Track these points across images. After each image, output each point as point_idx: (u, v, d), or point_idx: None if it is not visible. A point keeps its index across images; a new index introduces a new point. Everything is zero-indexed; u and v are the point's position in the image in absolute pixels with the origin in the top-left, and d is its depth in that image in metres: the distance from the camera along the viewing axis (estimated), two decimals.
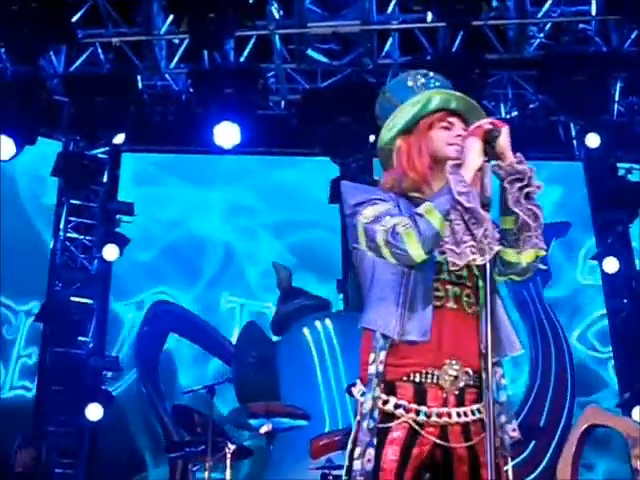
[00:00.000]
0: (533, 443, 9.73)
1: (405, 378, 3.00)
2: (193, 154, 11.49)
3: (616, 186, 10.46)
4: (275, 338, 10.48)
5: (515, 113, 10.97)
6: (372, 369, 3.00)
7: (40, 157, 10.70)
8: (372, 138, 10.15)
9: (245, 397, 9.54)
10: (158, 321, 11.02)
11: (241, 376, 10.03)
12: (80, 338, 10.16)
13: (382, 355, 2.99)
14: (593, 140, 10.35)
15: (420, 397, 3.00)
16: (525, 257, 3.10)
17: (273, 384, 9.81)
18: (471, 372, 3.04)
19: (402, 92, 3.31)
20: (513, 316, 10.75)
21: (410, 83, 3.31)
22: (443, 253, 2.97)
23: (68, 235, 10.57)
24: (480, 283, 3.11)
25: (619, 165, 10.61)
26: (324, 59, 10.29)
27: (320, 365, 9.63)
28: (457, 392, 3.01)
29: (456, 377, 3.01)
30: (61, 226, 10.59)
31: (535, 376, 10.75)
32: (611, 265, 10.06)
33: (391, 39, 10.17)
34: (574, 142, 11.10)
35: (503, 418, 3.06)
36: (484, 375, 3.04)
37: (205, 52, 9.94)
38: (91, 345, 10.22)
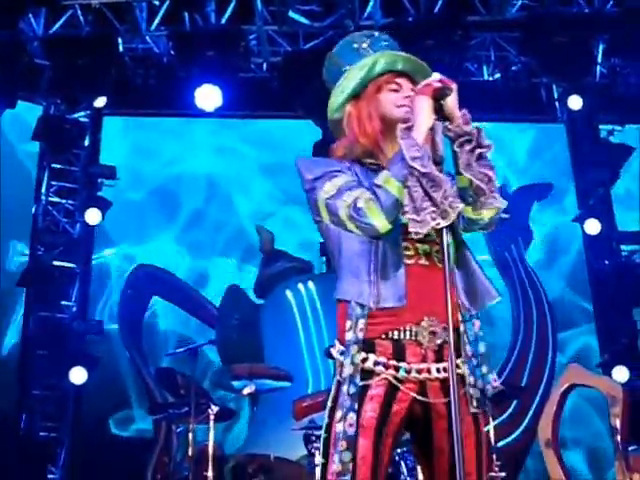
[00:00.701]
0: (515, 402, 9.83)
1: (384, 336, 3.02)
2: (175, 117, 11.44)
3: (598, 148, 10.48)
4: (258, 301, 10.50)
5: (498, 75, 10.93)
6: (349, 335, 3.02)
7: (21, 120, 10.62)
8: None
9: (228, 359, 9.59)
10: (141, 284, 11.02)
11: (224, 338, 10.07)
12: (63, 302, 10.14)
13: (360, 323, 3.01)
14: (575, 102, 10.34)
15: (399, 354, 3.02)
16: (487, 214, 3.09)
17: (256, 346, 9.86)
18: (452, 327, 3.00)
19: (348, 55, 3.30)
20: (493, 277, 10.92)
21: (355, 45, 3.30)
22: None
23: (50, 199, 10.51)
24: (449, 239, 3.07)
25: (601, 127, 10.61)
26: (306, 21, 10.23)
27: (303, 327, 9.67)
28: (436, 348, 3.03)
29: (434, 333, 3.02)
30: (43, 190, 10.53)
31: (517, 336, 10.82)
32: (593, 226, 10.09)
33: (373, 1, 10.10)
34: (556, 104, 11.08)
35: (484, 369, 3.09)
36: (461, 328, 3.08)
37: (186, 14, 9.86)
38: (74, 309, 10.20)
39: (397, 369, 3.01)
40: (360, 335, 3.00)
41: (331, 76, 3.34)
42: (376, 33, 3.39)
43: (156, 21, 10.26)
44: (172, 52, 10.33)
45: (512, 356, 10.66)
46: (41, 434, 9.71)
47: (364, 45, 3.28)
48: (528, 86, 10.99)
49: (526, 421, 10.09)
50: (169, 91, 10.57)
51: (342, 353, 3.05)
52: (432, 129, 3.01)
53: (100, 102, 10.39)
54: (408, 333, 3.03)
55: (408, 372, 3.00)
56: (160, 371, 9.25)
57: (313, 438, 6.69)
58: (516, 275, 11.05)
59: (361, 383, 2.98)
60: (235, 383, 7.30)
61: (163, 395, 9.86)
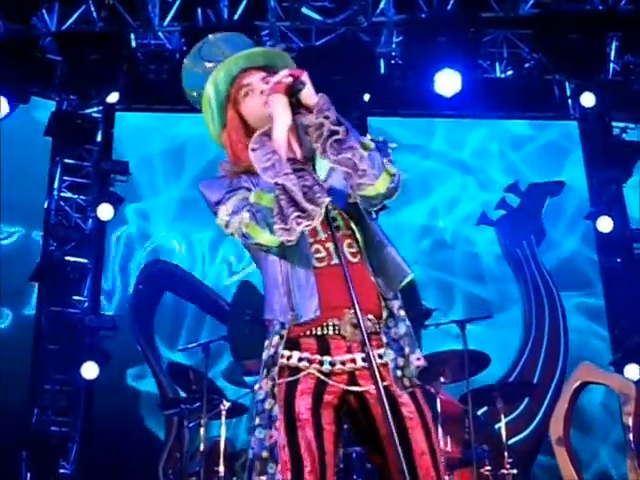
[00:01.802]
0: (526, 400, 9.81)
1: (308, 332, 3.04)
2: (187, 112, 11.40)
3: (611, 145, 10.45)
4: None
5: (510, 72, 10.90)
6: (264, 355, 3.05)
7: (33, 116, 10.64)
8: (367, 97, 10.14)
9: (241, 355, 9.60)
10: (153, 280, 11.03)
11: (236, 334, 10.07)
12: (75, 297, 10.16)
13: (275, 339, 3.02)
14: (588, 99, 10.31)
15: (323, 349, 3.04)
16: (380, 185, 3.02)
17: None
18: (372, 317, 3.08)
19: (191, 80, 3.31)
20: (507, 276, 10.91)
21: (190, 67, 3.31)
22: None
23: (62, 195, 10.52)
24: (354, 226, 3.13)
25: (614, 124, 10.58)
26: (318, 17, 10.22)
27: None
28: (360, 340, 2.98)
29: (356, 326, 2.97)
30: (55, 186, 10.55)
31: (529, 334, 10.80)
32: (605, 224, 10.06)
33: None
34: (569, 101, 11.05)
35: (407, 350, 3.08)
36: (384, 314, 3.10)
37: (199, 10, 9.88)
38: (86, 304, 10.22)
39: (321, 363, 3.02)
40: (271, 351, 3.01)
41: (196, 104, 3.33)
42: (201, 42, 3.35)
43: (169, 17, 10.28)
44: (184, 48, 10.32)
45: (524, 353, 10.65)
46: (53, 429, 9.72)
47: (197, 63, 3.29)
48: (541, 83, 10.96)
49: (538, 419, 10.08)
50: (181, 87, 10.53)
51: (261, 372, 3.06)
52: (296, 126, 3.03)
53: (113, 98, 10.40)
54: (331, 328, 3.04)
55: (333, 365, 3.02)
56: (172, 366, 9.25)
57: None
58: (528, 272, 11.03)
59: (289, 379, 3.00)
60: (247, 378, 7.31)
61: (175, 390, 9.87)
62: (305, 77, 3.01)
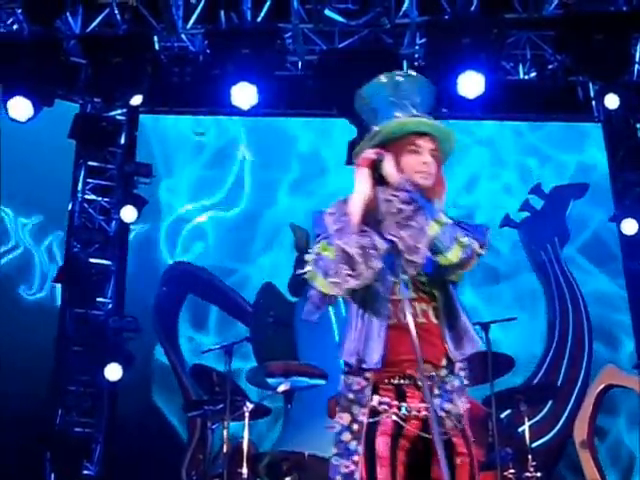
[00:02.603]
0: (550, 402, 9.76)
1: (386, 381, 3.37)
2: (211, 115, 11.46)
3: (635, 147, 10.40)
4: (293, 299, 10.51)
5: (534, 74, 10.84)
6: (342, 390, 3.41)
7: (58, 119, 10.68)
8: None
9: (263, 357, 9.61)
10: (176, 282, 11.06)
11: (259, 336, 10.09)
12: (99, 299, 10.22)
13: (350, 378, 3.38)
14: (612, 101, 10.25)
15: (400, 396, 3.36)
16: (453, 256, 3.35)
17: (291, 344, 9.88)
18: (435, 370, 3.41)
19: (375, 98, 3.56)
20: (531, 278, 10.86)
21: (387, 92, 3.55)
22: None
23: (86, 197, 10.58)
24: (436, 293, 3.45)
25: (638, 126, 10.52)
26: (341, 19, 10.22)
27: (337, 324, 9.67)
28: (432, 392, 3.34)
29: (429, 377, 3.34)
30: (79, 188, 10.60)
31: (552, 337, 10.76)
32: (630, 226, 10.01)
33: None
34: (593, 103, 11.00)
35: (455, 397, 3.43)
36: (443, 372, 3.43)
37: (222, 12, 9.90)
38: (110, 306, 10.26)
39: (399, 408, 3.34)
40: (355, 388, 3.35)
41: (363, 115, 3.65)
42: (400, 76, 3.61)
43: (192, 19, 10.29)
44: (208, 50, 10.36)
45: (548, 356, 10.60)
46: (76, 430, 9.77)
47: (390, 92, 3.52)
48: (564, 85, 10.90)
49: (561, 421, 10.02)
50: (205, 89, 10.59)
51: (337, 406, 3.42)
52: (375, 196, 3.35)
53: (136, 100, 10.43)
54: (407, 379, 3.36)
55: (409, 411, 3.33)
56: (196, 368, 9.27)
57: None
58: (552, 274, 10.99)
59: (370, 420, 3.31)
60: (270, 380, 7.30)
61: (198, 392, 9.90)
62: (388, 157, 3.36)
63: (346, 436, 3.30)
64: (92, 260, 10.24)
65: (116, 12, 10.18)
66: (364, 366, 3.32)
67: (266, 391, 7.46)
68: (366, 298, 3.36)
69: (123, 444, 9.84)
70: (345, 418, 3.33)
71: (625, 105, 10.31)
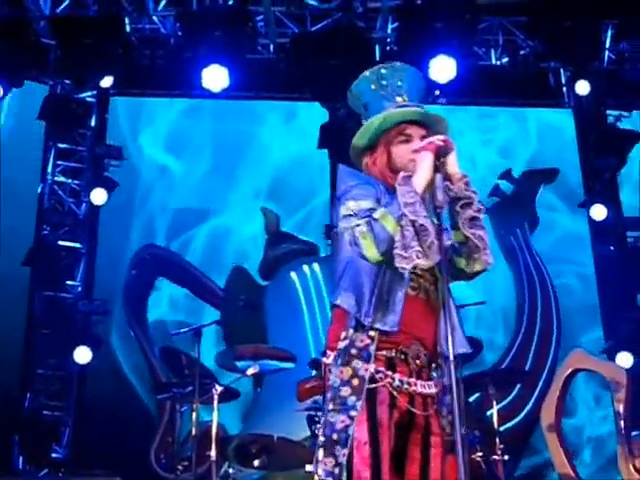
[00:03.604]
0: (518, 387, 9.84)
1: (378, 352, 3.37)
2: (182, 97, 11.39)
3: (605, 133, 10.45)
4: (263, 282, 10.50)
5: (506, 59, 10.86)
6: (343, 344, 3.38)
7: (27, 100, 10.60)
8: None
9: (233, 340, 9.61)
10: (146, 265, 11.02)
11: (229, 319, 10.08)
12: (68, 282, 10.16)
13: (359, 337, 3.36)
14: (583, 87, 10.31)
15: (392, 368, 3.39)
16: (477, 267, 3.50)
17: (261, 327, 9.89)
18: (428, 354, 3.48)
19: (364, 92, 3.65)
20: (500, 263, 10.90)
21: (373, 86, 3.62)
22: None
23: (56, 179, 10.51)
24: (439, 284, 3.45)
25: (608, 112, 10.57)
26: (313, 2, 10.20)
27: (307, 309, 9.69)
28: (417, 369, 3.43)
29: (418, 357, 3.43)
30: (49, 170, 10.52)
31: (521, 322, 10.82)
32: (599, 212, 10.08)
33: None
34: (564, 89, 11.04)
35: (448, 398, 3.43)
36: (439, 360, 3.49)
37: None
38: (79, 289, 10.21)
39: (393, 379, 3.37)
40: (359, 344, 3.35)
41: (354, 107, 3.74)
42: (387, 67, 3.66)
43: (163, 1, 10.25)
44: (179, 33, 10.30)
45: (516, 340, 10.67)
46: (45, 413, 9.73)
47: (378, 84, 3.60)
48: (536, 71, 10.94)
49: (529, 405, 10.09)
50: (176, 72, 10.53)
51: (335, 360, 3.39)
52: (433, 182, 3.34)
53: (107, 82, 10.37)
54: (399, 353, 3.40)
55: (401, 384, 3.38)
56: (165, 350, 9.28)
57: (317, 419, 6.71)
58: (522, 260, 11.04)
59: (369, 386, 3.31)
60: (239, 363, 7.29)
61: (167, 375, 9.89)
62: (454, 147, 3.40)
63: (345, 390, 3.30)
64: (61, 243, 10.18)
65: None
66: (378, 326, 3.32)
67: (235, 374, 7.43)
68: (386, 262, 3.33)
69: (93, 427, 9.81)
70: (346, 372, 3.32)
71: (595, 91, 10.37)
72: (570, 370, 7.59)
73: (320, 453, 3.31)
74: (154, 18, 10.49)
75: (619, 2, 9.94)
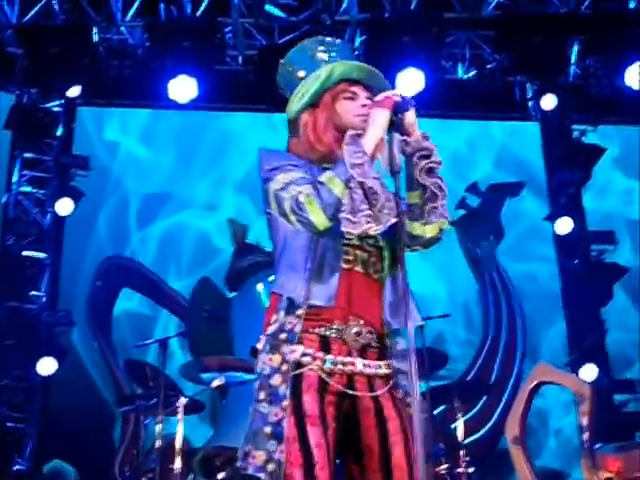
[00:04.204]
0: (483, 399, 9.86)
1: (311, 330, 3.14)
2: (149, 108, 11.36)
3: (570, 148, 10.54)
4: (229, 294, 10.47)
5: (472, 73, 10.94)
6: (273, 328, 3.15)
7: None
8: None
9: (198, 351, 9.58)
10: (111, 276, 10.95)
11: (195, 330, 10.04)
12: (32, 293, 10.08)
13: (289, 317, 3.13)
14: (549, 101, 10.41)
15: (325, 347, 3.15)
16: (430, 230, 3.24)
17: (227, 339, 9.84)
18: (374, 332, 3.22)
19: (303, 62, 3.42)
20: (467, 275, 10.94)
21: (310, 52, 3.42)
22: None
23: (21, 189, 10.43)
24: (385, 253, 3.28)
25: (574, 127, 10.67)
26: (282, 14, 10.23)
27: None
28: (359, 348, 3.18)
29: (359, 334, 3.17)
30: (14, 179, 10.45)
31: (486, 334, 10.85)
32: (564, 226, 10.15)
33: None
34: (530, 103, 11.12)
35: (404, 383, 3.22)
36: (387, 341, 3.25)
37: (162, 5, 9.83)
38: (44, 300, 10.13)
39: (324, 361, 3.12)
40: (288, 327, 3.12)
41: (286, 83, 3.48)
42: (328, 39, 3.51)
43: (131, 11, 10.21)
44: (147, 43, 10.29)
45: (481, 353, 10.70)
46: (8, 424, 9.63)
47: (318, 53, 3.39)
48: (502, 84, 11.04)
49: (494, 418, 10.12)
50: (144, 82, 10.52)
51: (265, 347, 3.16)
52: (390, 141, 3.15)
53: (74, 92, 10.33)
54: (335, 331, 3.15)
55: (334, 364, 3.12)
56: (129, 362, 9.21)
57: None
58: (486, 272, 11.08)
59: (293, 373, 3.07)
60: (204, 375, 7.27)
61: (131, 387, 9.83)
62: (413, 102, 3.20)
63: (276, 379, 3.05)
64: (26, 253, 10.09)
65: (54, 2, 10.06)
66: (313, 302, 3.09)
67: (201, 386, 7.40)
68: (323, 233, 3.11)
69: (56, 439, 9.73)
70: (275, 359, 3.08)
71: (561, 106, 10.46)
72: (535, 383, 7.62)
73: (248, 447, 3.08)
74: (122, 28, 10.46)
75: (585, 18, 10.05)
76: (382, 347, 3.23)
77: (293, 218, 3.07)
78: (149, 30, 10.10)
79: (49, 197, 10.38)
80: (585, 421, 7.23)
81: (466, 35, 10.73)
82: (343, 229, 3.04)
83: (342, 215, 3.02)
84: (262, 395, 3.07)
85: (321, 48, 3.41)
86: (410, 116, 3.17)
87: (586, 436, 7.21)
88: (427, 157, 3.17)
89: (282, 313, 3.14)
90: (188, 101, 9.98)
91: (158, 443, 6.97)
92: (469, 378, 10.26)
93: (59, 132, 10.61)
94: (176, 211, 11.18)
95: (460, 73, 10.94)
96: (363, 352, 3.17)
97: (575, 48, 10.57)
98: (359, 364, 3.14)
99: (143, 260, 11.01)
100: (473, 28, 10.60)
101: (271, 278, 9.91)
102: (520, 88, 11.18)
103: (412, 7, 9.85)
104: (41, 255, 10.19)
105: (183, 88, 9.81)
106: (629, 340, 10.33)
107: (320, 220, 3.02)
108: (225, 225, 10.81)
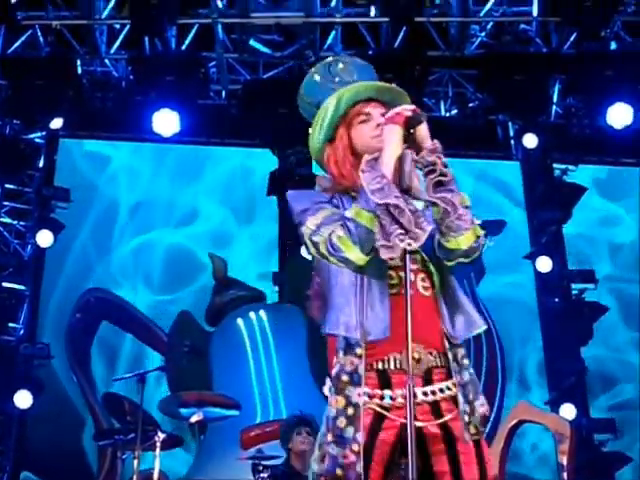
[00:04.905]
0: None
1: (369, 367, 3.04)
2: (132, 141, 11.37)
3: (552, 186, 10.59)
4: (209, 328, 10.43)
5: (455, 111, 11.02)
6: (336, 370, 3.06)
7: None
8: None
9: (177, 386, 9.51)
10: (91, 309, 10.89)
11: (174, 365, 9.98)
12: (11, 324, 10.00)
13: (348, 357, 3.04)
14: (530, 140, 10.48)
15: (385, 383, 3.05)
16: (463, 241, 3.10)
17: (206, 374, 9.78)
18: (435, 353, 3.09)
19: (311, 90, 3.35)
20: None
21: (317, 79, 3.34)
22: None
23: (1, 220, 10.39)
24: (432, 268, 3.16)
25: (555, 166, 10.73)
26: (266, 50, 10.28)
27: (253, 356, 9.62)
28: (422, 374, 3.06)
29: (419, 360, 3.04)
30: None
31: None
32: (544, 264, 10.19)
33: (334, 32, 10.21)
34: (512, 142, 11.19)
35: (470, 395, 3.11)
36: (449, 354, 3.11)
37: (146, 39, 9.85)
38: (22, 332, 10.06)
39: (382, 397, 3.02)
40: (348, 369, 3.03)
41: (306, 114, 3.39)
42: (331, 59, 3.43)
43: (116, 44, 10.25)
44: (131, 76, 10.31)
45: None
46: None
47: (324, 76, 3.32)
48: (484, 123, 11.10)
49: None
50: (127, 115, 10.53)
51: (330, 390, 3.09)
52: (401, 158, 3.04)
53: (56, 124, 10.33)
54: (392, 362, 3.05)
55: (393, 399, 3.02)
56: (107, 396, 9.14)
57: (260, 468, 6.63)
58: None
59: (350, 414, 3.00)
60: (183, 410, 7.21)
61: (109, 421, 9.75)
62: (425, 116, 3.08)
63: (341, 421, 2.99)
64: (5, 284, 10.03)
65: (39, 34, 10.08)
66: (370, 338, 2.99)
67: (179, 421, 7.35)
68: (366, 265, 3.02)
69: (33, 472, 9.64)
70: (340, 401, 3.01)
71: (543, 145, 10.53)
72: (514, 421, 7.60)
73: None
74: (106, 61, 10.50)
75: (567, 58, 10.14)
76: (448, 365, 3.12)
77: (333, 260, 3.03)
78: (133, 63, 10.11)
79: (29, 228, 10.34)
80: (564, 460, 7.20)
81: (449, 73, 10.81)
82: (382, 257, 2.95)
83: (378, 243, 2.94)
84: (330, 437, 3.02)
85: (326, 73, 3.33)
86: (422, 130, 3.06)
87: (565, 475, 7.18)
88: (434, 172, 3.05)
89: (341, 353, 3.06)
90: (171, 134, 9.97)
91: (135, 478, 6.90)
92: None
93: (41, 163, 10.58)
94: (158, 240, 11.16)
95: (442, 111, 11.02)
96: (428, 377, 3.07)
97: (557, 87, 10.67)
98: (419, 394, 3.03)
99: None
100: (456, 66, 10.69)
101: (251, 313, 9.96)
102: (502, 127, 11.25)
103: (396, 45, 9.91)
104: (20, 287, 10.12)
105: (166, 121, 9.81)
106: None
107: (357, 256, 2.98)
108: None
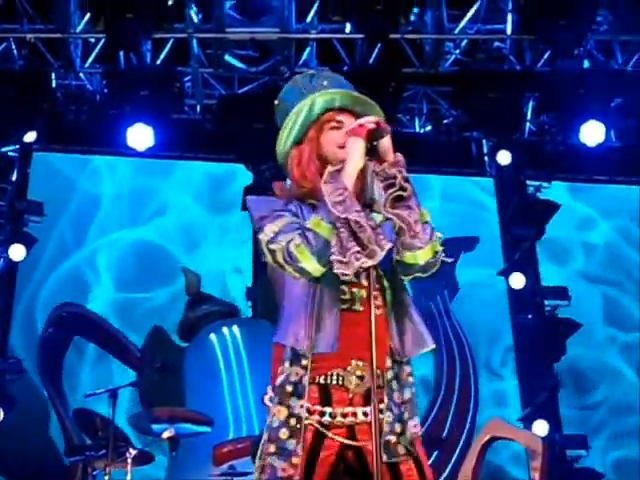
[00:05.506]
0: (435, 454, 9.83)
1: (311, 380, 3.00)
2: (106, 155, 11.31)
3: (525, 203, 10.65)
4: (182, 344, 10.38)
5: (429, 128, 11.08)
6: (280, 380, 3.02)
7: None
8: None
9: (150, 402, 9.45)
10: (63, 324, 10.81)
11: (146, 381, 9.92)
12: None
13: (293, 368, 3.01)
14: (504, 157, 10.53)
15: (325, 399, 3.02)
16: (421, 256, 3.07)
17: (178, 390, 9.72)
18: (379, 373, 3.04)
19: (290, 96, 3.30)
20: None
21: (298, 87, 3.30)
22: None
23: None
24: (385, 283, 3.13)
25: (529, 183, 10.79)
26: (241, 65, 10.29)
27: (226, 371, 9.57)
28: (364, 392, 3.02)
29: (362, 377, 3.02)
30: None
31: (439, 388, 10.84)
32: (517, 281, 10.23)
33: (309, 48, 10.24)
34: (486, 158, 11.25)
35: (406, 415, 3.06)
36: (389, 374, 3.09)
37: (121, 53, 9.83)
38: None
39: (322, 414, 3.00)
40: (293, 379, 3.00)
41: (280, 120, 3.33)
42: (314, 72, 3.42)
43: (90, 58, 10.23)
44: (105, 90, 10.29)
45: (434, 407, 10.67)
46: None
47: (305, 86, 3.28)
48: (459, 140, 11.18)
49: (446, 473, 10.08)
50: (101, 129, 10.50)
51: (271, 399, 3.05)
52: (363, 170, 3.02)
53: (30, 137, 10.28)
54: (335, 378, 3.02)
55: (333, 417, 2.99)
56: (78, 412, 9.08)
57: None
58: (440, 326, 11.08)
59: (292, 425, 2.97)
60: (155, 426, 7.16)
61: (80, 437, 9.68)
62: (389, 129, 3.05)
63: (283, 433, 2.94)
64: None
65: (13, 47, 10.04)
66: (317, 350, 2.96)
67: (151, 437, 7.29)
68: (320, 277, 2.99)
69: None
70: (282, 412, 2.96)
71: (516, 162, 10.59)
72: (487, 438, 7.60)
73: None
74: (81, 75, 10.48)
75: (541, 75, 10.21)
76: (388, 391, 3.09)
77: (288, 268, 2.98)
78: (108, 77, 10.08)
79: (1, 242, 10.27)
80: (537, 477, 7.21)
81: (423, 90, 10.86)
82: (336, 271, 2.91)
83: (333, 257, 2.91)
84: (272, 448, 2.97)
85: (307, 81, 3.30)
86: (385, 143, 3.04)
87: None
88: (393, 186, 3.01)
89: (287, 363, 3.02)
90: (145, 149, 9.94)
91: None
92: (421, 432, 10.21)
93: (14, 177, 10.53)
94: (133, 253, 11.12)
95: (417, 127, 11.08)
96: (368, 396, 3.00)
97: (530, 105, 10.75)
98: (360, 414, 3.01)
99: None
100: (430, 83, 10.76)
101: (224, 329, 9.91)
102: (476, 143, 11.32)
103: (371, 61, 9.94)
104: None
105: (140, 136, 9.78)
106: None
107: (313, 267, 2.94)
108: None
